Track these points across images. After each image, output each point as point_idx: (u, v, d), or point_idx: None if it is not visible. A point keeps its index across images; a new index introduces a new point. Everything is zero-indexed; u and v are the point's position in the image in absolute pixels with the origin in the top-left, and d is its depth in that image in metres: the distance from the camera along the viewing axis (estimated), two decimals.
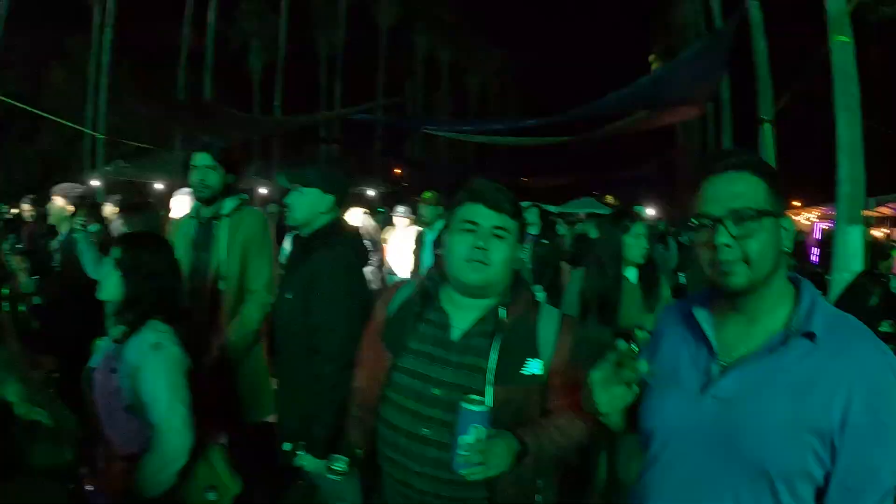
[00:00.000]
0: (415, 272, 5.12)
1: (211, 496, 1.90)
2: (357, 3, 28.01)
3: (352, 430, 1.72)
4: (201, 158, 2.72)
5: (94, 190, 8.74)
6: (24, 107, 17.13)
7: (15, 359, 1.99)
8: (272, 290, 2.70)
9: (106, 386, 1.86)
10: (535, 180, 17.25)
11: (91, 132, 16.95)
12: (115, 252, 1.94)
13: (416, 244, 5.28)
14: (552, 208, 12.42)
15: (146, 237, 2.11)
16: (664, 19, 18.52)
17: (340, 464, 1.86)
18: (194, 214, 2.84)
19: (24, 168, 24.15)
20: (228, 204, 2.76)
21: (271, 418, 2.68)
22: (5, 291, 3.52)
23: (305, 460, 2.05)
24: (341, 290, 2.14)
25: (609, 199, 20.07)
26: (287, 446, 2.12)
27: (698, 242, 1.16)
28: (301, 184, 2.27)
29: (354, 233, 2.46)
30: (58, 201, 3.77)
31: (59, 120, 17.50)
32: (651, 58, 19.88)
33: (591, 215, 11.30)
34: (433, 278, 1.65)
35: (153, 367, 1.81)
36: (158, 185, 20.57)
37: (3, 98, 17.59)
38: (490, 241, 1.52)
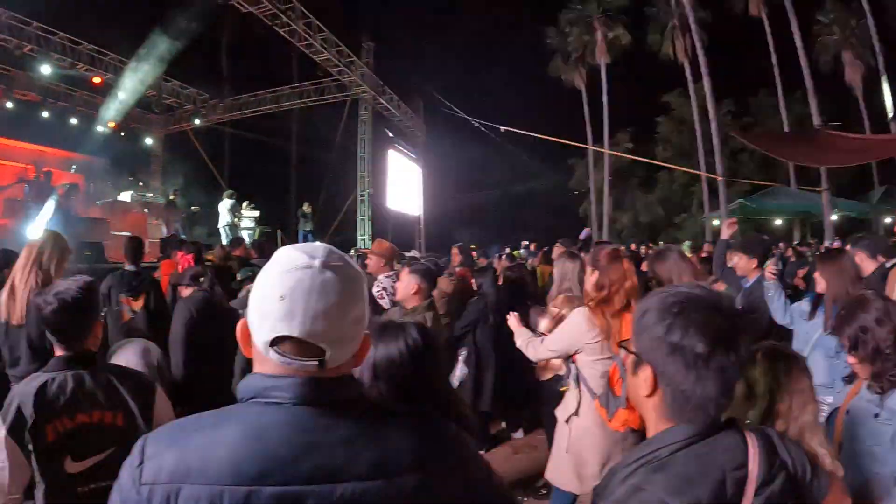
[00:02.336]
0: None
1: None
2: None
3: None
4: None
5: (771, 242, 9.14)
6: (642, 159, 22.26)
7: None
8: None
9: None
10: None
11: (710, 175, 20.45)
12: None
13: None
14: None
15: (870, 299, 2.14)
16: None
17: None
18: None
19: (648, 211, 30.39)
20: None
21: None
22: None
23: None
24: None
25: None
26: None
27: None
28: None
29: None
30: (740, 257, 4.11)
31: (675, 167, 21.59)
32: None
33: None
34: None
35: None
36: (777, 221, 22.47)
37: (622, 154, 23.12)
38: None
